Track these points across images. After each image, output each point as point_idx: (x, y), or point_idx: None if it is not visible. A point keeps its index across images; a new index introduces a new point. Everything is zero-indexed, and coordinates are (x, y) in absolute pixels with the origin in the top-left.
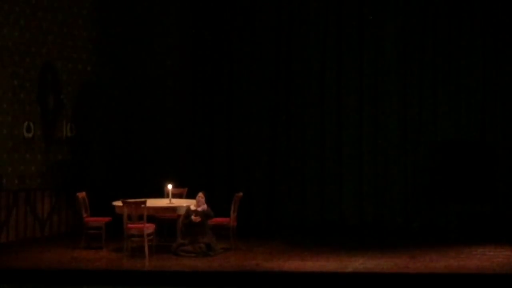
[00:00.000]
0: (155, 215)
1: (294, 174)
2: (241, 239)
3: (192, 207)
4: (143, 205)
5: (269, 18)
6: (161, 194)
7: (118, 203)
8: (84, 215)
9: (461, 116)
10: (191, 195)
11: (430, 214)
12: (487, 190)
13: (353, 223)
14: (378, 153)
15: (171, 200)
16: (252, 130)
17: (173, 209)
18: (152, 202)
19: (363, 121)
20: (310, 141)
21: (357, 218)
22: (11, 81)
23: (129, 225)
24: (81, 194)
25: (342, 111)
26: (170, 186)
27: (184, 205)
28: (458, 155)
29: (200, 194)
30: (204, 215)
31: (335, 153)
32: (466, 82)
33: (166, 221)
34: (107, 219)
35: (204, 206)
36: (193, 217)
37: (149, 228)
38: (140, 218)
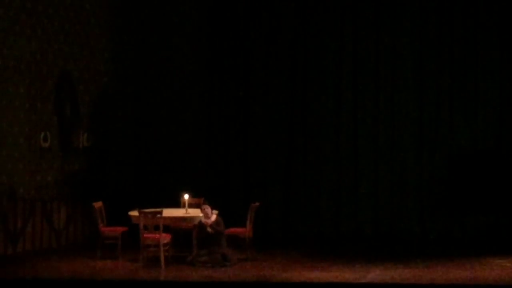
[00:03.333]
0: (171, 225)
1: (310, 184)
2: (257, 249)
3: (203, 220)
4: (159, 215)
5: (285, 28)
6: (178, 204)
7: (135, 213)
8: (100, 225)
9: (477, 126)
10: None
11: (446, 225)
12: (504, 201)
13: (369, 233)
14: (394, 163)
15: (187, 210)
16: (268, 141)
17: (190, 219)
18: (168, 212)
19: (379, 131)
20: (326, 151)
21: (373, 228)
22: (28, 91)
23: (145, 235)
24: (98, 204)
25: (358, 121)
26: (186, 196)
27: (201, 215)
28: (475, 165)
29: (203, 207)
30: (216, 230)
31: (351, 163)
32: (483, 92)
33: (182, 231)
34: (123, 229)
35: (213, 217)
36: (209, 229)
37: (165, 238)
38: (156, 228)
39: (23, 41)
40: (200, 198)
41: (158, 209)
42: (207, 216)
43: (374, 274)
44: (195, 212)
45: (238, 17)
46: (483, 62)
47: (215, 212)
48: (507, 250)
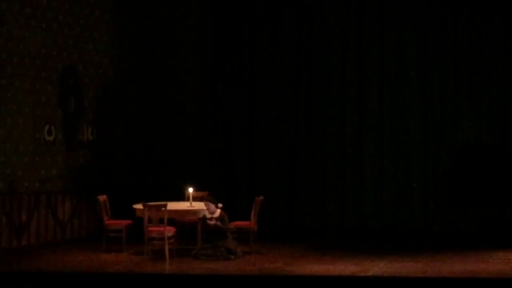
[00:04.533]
0: (176, 218)
1: (315, 177)
2: (262, 243)
3: (207, 214)
4: (163, 208)
5: (290, 24)
6: (182, 197)
7: (139, 206)
8: (105, 218)
9: (482, 120)
10: None
11: (450, 218)
12: (508, 194)
13: (373, 227)
14: (399, 157)
15: (191, 203)
16: (272, 134)
17: (194, 212)
18: (172, 205)
19: (384, 125)
20: (331, 145)
21: (377, 222)
22: (33, 85)
23: (150, 228)
24: (102, 197)
25: (362, 115)
26: (191, 189)
27: (205, 208)
28: (479, 159)
29: (206, 202)
30: (220, 228)
31: (355, 157)
32: (487, 86)
33: (186, 224)
34: (127, 222)
35: (217, 212)
36: (208, 222)
37: (170, 231)
38: (160, 221)
39: (27, 35)
40: (205, 191)
41: (163, 202)
42: (210, 212)
43: (378, 267)
44: (199, 205)
45: (243, 13)
46: (488, 56)
47: (220, 205)
48: (511, 243)
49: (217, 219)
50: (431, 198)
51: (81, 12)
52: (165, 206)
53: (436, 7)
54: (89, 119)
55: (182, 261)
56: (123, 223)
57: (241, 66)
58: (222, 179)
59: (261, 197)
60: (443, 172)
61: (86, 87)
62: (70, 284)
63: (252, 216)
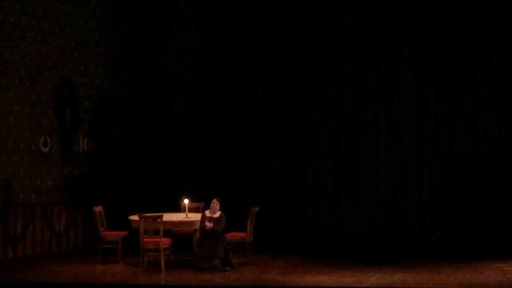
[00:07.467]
0: (172, 230)
1: (310, 189)
2: (258, 254)
3: (208, 214)
4: (159, 220)
5: (285, 30)
6: (178, 208)
7: (135, 217)
8: (101, 229)
9: (478, 131)
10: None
11: (446, 229)
12: (504, 205)
13: (369, 238)
14: (395, 167)
15: (187, 214)
16: (268, 145)
17: (190, 223)
18: (168, 217)
19: (380, 136)
20: (327, 156)
21: (373, 233)
22: (28, 96)
23: (146, 240)
24: (98, 209)
25: (358, 126)
26: (186, 201)
27: (212, 205)
28: (475, 170)
29: (214, 200)
30: (215, 221)
31: (351, 168)
32: (483, 97)
33: (182, 236)
34: (123, 233)
35: (218, 213)
36: (206, 223)
37: (166, 242)
38: (156, 233)
39: (23, 46)
40: (200, 203)
41: (158, 214)
42: (214, 210)
43: (374, 278)
44: (195, 217)
45: (238, 20)
46: (484, 67)
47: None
48: (507, 254)
49: (216, 218)
50: (427, 209)
51: (76, 23)
52: (160, 217)
53: (431, 19)
54: (85, 130)
55: (177, 272)
56: (119, 234)
57: (237, 78)
58: (218, 190)
59: (257, 208)
60: (439, 183)
61: (82, 98)
62: None
63: (248, 227)
